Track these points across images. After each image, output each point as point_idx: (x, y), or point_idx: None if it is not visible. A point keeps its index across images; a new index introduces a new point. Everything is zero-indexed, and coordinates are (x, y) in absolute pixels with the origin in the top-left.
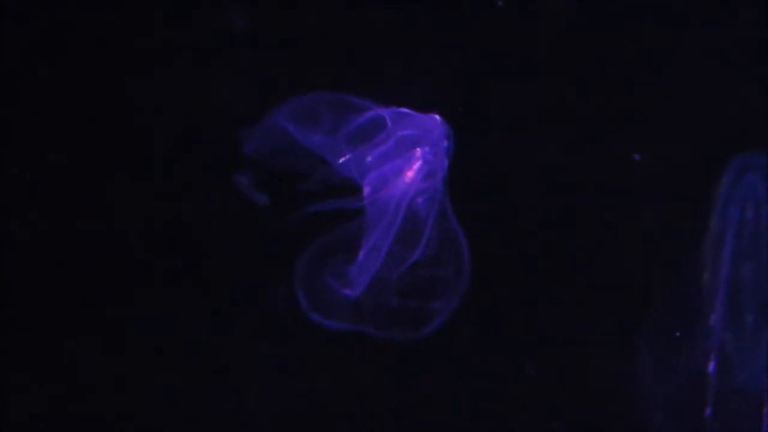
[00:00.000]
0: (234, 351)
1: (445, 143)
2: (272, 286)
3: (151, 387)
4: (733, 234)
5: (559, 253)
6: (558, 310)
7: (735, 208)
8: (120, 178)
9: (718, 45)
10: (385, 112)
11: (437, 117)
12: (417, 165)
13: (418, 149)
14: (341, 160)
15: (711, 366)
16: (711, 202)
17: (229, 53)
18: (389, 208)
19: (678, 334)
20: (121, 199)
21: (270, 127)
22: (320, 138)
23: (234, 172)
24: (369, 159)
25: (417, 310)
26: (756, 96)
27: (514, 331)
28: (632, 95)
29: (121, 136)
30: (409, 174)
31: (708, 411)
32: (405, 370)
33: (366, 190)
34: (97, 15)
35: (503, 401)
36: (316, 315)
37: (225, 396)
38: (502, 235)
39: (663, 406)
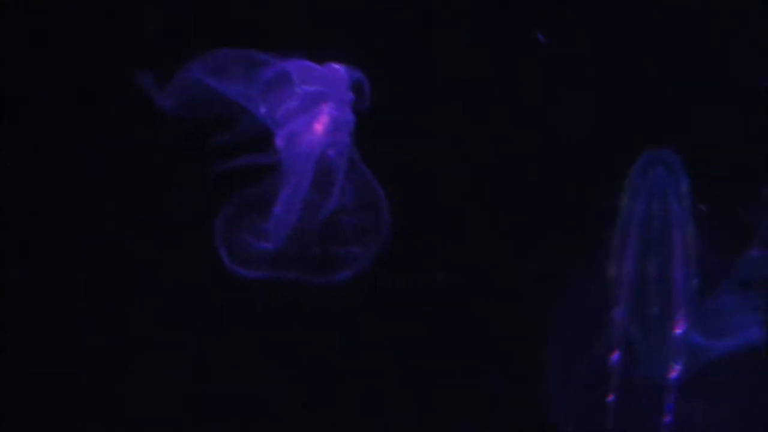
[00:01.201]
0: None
1: (350, 96)
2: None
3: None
4: (639, 228)
5: (472, 200)
6: (476, 254)
7: (641, 202)
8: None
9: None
10: (290, 67)
11: (342, 69)
12: (324, 119)
13: (323, 104)
14: (255, 112)
15: (615, 357)
16: (618, 196)
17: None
18: (301, 162)
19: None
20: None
21: (185, 80)
22: (235, 87)
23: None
24: (279, 115)
25: (338, 256)
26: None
27: (433, 275)
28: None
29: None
30: (318, 128)
31: (611, 401)
32: (325, 314)
33: (278, 144)
34: None
35: (420, 345)
36: (238, 268)
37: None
38: (421, 182)
39: (567, 396)
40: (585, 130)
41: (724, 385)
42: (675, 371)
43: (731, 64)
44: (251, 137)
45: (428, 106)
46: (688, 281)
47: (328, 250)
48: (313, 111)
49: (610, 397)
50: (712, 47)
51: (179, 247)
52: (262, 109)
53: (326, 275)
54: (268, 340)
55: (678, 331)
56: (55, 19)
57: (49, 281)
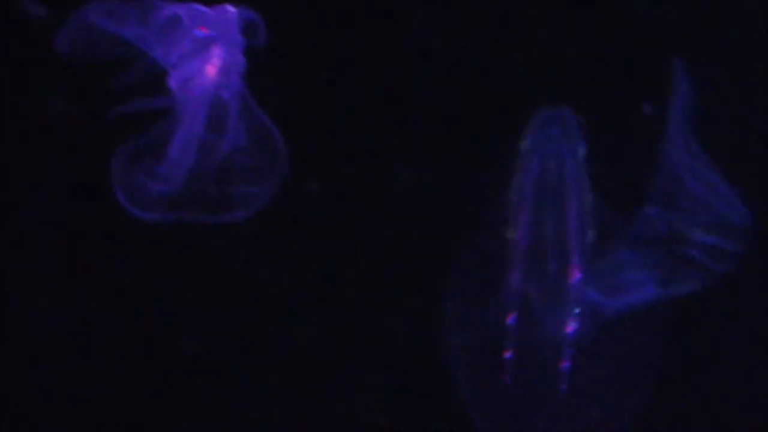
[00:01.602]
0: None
1: (241, 38)
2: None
3: None
4: (534, 186)
5: (365, 146)
6: (370, 193)
7: (537, 160)
8: None
9: None
10: (182, 10)
11: (233, 11)
12: (215, 62)
13: (214, 47)
14: (150, 55)
15: (512, 315)
16: (515, 154)
17: None
18: (195, 104)
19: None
20: None
21: (80, 22)
22: (129, 30)
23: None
24: (172, 58)
25: (235, 196)
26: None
27: (330, 211)
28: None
29: None
30: (210, 70)
31: (508, 358)
32: (224, 253)
33: (172, 87)
34: None
35: (316, 283)
36: (135, 210)
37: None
38: (315, 123)
39: (465, 357)
40: (482, 87)
41: (620, 342)
42: (571, 328)
43: (625, 17)
44: (146, 80)
45: (322, 46)
46: (584, 239)
47: (225, 190)
48: (205, 53)
49: (507, 355)
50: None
51: (76, 191)
52: (156, 52)
53: (224, 215)
54: (168, 281)
55: (574, 288)
56: None
57: None
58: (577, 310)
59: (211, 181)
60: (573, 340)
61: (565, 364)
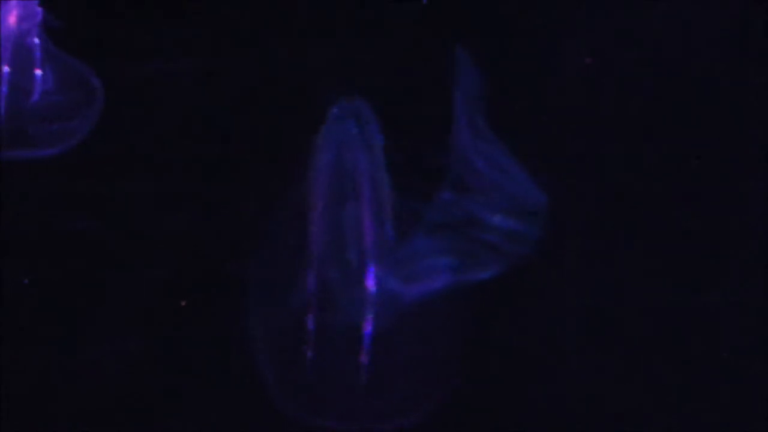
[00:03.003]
0: None
1: None
2: None
3: None
4: (331, 177)
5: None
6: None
7: (331, 153)
8: None
9: None
10: None
11: None
12: (14, 11)
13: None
14: None
15: (313, 304)
16: (313, 147)
17: None
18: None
19: None
20: None
21: None
22: None
23: None
24: None
25: (56, 132)
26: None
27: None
28: None
29: None
30: (11, 19)
31: (309, 350)
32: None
33: None
34: None
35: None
36: None
37: None
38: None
39: (266, 347)
40: (276, 80)
41: (419, 330)
42: (370, 317)
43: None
44: None
45: None
46: (381, 228)
47: (46, 128)
48: (4, 3)
49: (308, 346)
50: None
51: None
52: None
53: (46, 149)
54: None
55: (372, 278)
56: None
57: None
58: (376, 300)
59: (28, 120)
60: (372, 329)
61: (364, 353)
